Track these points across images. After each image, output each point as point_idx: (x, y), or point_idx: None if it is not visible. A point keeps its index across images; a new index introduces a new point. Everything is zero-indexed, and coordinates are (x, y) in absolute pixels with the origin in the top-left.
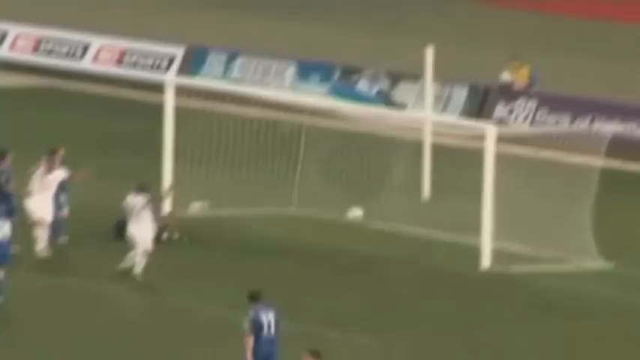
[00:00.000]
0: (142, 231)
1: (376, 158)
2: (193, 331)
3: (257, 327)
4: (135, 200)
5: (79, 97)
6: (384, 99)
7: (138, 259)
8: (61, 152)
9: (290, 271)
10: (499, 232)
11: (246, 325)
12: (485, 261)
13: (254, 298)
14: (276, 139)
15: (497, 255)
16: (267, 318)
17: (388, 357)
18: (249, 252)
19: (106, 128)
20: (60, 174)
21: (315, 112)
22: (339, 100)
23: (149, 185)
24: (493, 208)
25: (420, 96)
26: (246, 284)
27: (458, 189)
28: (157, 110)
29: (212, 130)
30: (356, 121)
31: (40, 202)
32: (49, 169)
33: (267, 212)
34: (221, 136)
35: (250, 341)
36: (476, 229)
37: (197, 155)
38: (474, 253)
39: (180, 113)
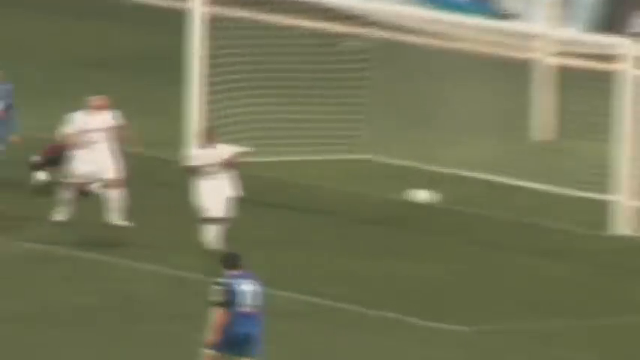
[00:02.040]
0: (217, 196)
1: (472, 86)
2: None
3: (230, 299)
4: (207, 154)
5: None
6: (487, 8)
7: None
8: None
9: (383, 235)
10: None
11: (216, 295)
12: (621, 223)
13: (229, 263)
14: (338, 61)
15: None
16: (247, 288)
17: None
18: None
19: (125, 42)
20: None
21: (391, 25)
22: (424, 8)
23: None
24: (632, 153)
25: (532, 3)
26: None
27: (583, 127)
28: (183, 21)
29: (252, 48)
30: (448, 37)
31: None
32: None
33: (326, 157)
34: (265, 55)
35: (220, 317)
36: (607, 180)
37: (236, 83)
38: (605, 212)
39: (215, 24)
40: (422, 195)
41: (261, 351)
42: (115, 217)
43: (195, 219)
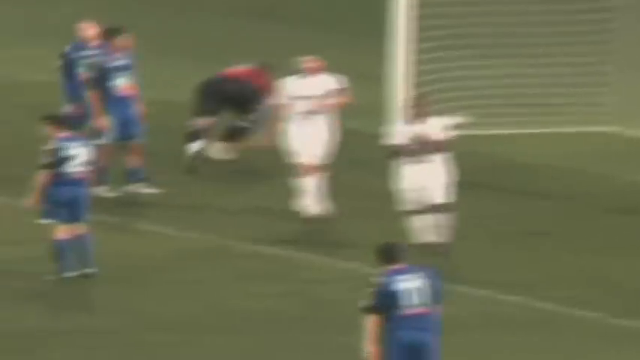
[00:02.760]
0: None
1: None
2: None
3: (387, 301)
4: (415, 130)
5: None
6: None
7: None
8: None
9: (633, 227)
10: None
11: (366, 299)
12: None
13: (388, 256)
14: (574, 11)
15: None
16: (410, 286)
17: None
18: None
19: None
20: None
21: None
22: None
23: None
24: None
25: None
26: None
27: None
28: None
29: None
30: None
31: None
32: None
33: (559, 130)
34: (482, 4)
35: (373, 324)
36: None
37: (444, 40)
38: None
39: None
40: None
41: None
42: (314, 205)
43: (399, 208)
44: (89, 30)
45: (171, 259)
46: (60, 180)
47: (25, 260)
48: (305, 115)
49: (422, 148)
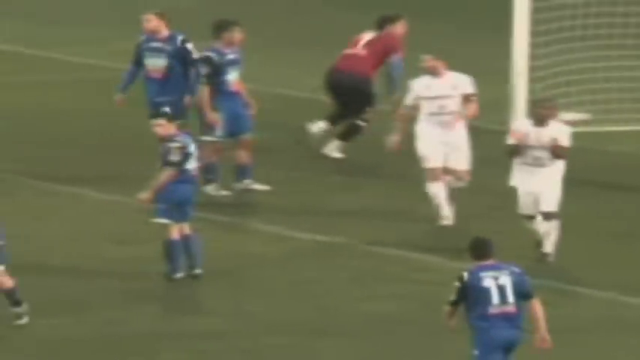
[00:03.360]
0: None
1: None
2: None
3: (475, 296)
4: (535, 132)
5: None
6: None
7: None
8: None
9: None
10: None
11: (452, 293)
12: None
13: (479, 251)
14: None
15: None
16: (497, 283)
17: None
18: None
19: None
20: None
21: None
22: None
23: None
24: None
25: None
26: None
27: None
28: None
29: None
30: None
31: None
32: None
33: None
34: None
35: (453, 318)
36: None
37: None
38: None
39: None
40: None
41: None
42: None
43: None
44: (152, 22)
45: (283, 260)
46: (181, 178)
47: (136, 260)
48: (434, 116)
49: (539, 151)
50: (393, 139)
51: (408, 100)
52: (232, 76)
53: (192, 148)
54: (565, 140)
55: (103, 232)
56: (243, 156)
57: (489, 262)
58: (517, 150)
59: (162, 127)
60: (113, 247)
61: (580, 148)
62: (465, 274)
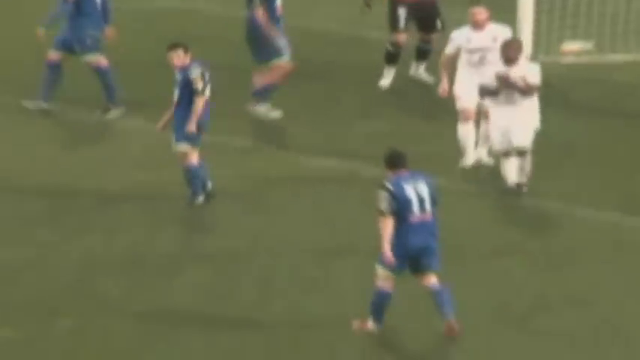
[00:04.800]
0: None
1: None
2: None
3: (400, 205)
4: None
5: None
6: None
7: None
8: None
9: None
10: None
11: (382, 202)
12: None
13: (394, 162)
14: None
15: None
16: (417, 192)
17: None
18: None
19: None
20: None
21: None
22: None
23: None
24: None
25: None
26: None
27: None
28: None
29: None
30: None
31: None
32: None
33: None
34: None
35: (388, 226)
36: None
37: None
38: None
39: None
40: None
41: (437, 265)
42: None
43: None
44: None
45: (302, 184)
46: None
47: (160, 184)
48: (474, 67)
49: (510, 90)
50: (442, 86)
51: (449, 49)
52: (279, 1)
53: (208, 75)
54: (534, 78)
55: (128, 157)
56: (267, 79)
57: (405, 171)
58: (487, 89)
59: (179, 57)
60: (138, 172)
61: (582, 78)
62: (388, 184)
